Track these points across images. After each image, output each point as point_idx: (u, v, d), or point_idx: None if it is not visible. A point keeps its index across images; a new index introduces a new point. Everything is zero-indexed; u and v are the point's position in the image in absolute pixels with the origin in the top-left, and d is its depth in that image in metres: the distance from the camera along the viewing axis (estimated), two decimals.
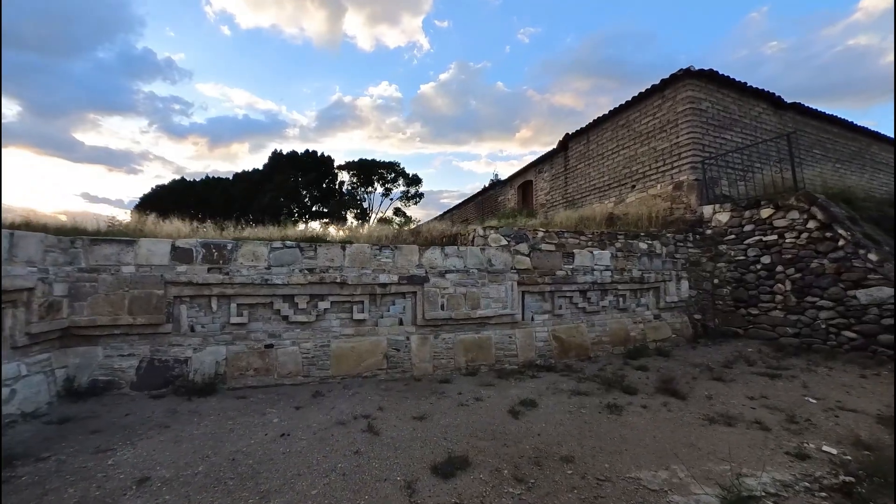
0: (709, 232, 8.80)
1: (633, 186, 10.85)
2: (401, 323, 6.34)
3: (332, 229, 9.31)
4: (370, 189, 39.13)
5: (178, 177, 37.90)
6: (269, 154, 35.66)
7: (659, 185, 10.04)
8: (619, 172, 11.31)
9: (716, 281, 8.52)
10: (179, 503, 3.08)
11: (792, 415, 4.64)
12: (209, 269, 5.49)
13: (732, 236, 8.33)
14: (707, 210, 8.91)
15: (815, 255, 6.97)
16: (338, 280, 5.92)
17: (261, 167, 34.96)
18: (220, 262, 5.56)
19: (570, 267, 7.33)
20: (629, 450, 3.92)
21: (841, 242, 6.66)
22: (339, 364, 5.86)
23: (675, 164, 9.63)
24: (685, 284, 8.37)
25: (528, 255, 7.07)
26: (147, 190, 34.63)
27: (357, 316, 6.09)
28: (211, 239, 5.71)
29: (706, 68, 9.32)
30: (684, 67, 9.37)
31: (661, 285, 8.11)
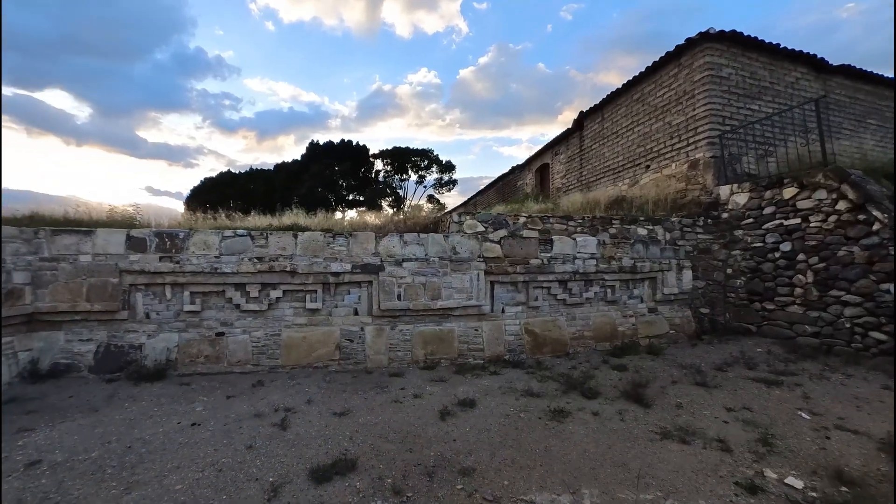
0: (725, 215, 7.72)
1: (648, 167, 9.80)
2: (356, 313, 6.14)
3: (369, 217, 9.24)
4: (404, 177, 39.35)
5: (230, 169, 40.17)
6: (307, 144, 36.69)
7: (674, 165, 8.97)
8: (634, 152, 10.26)
9: (729, 271, 7.47)
10: (50, 487, 3.11)
11: (768, 433, 3.89)
12: (161, 258, 5.59)
13: (750, 220, 7.23)
14: (724, 191, 7.80)
15: (843, 242, 5.84)
16: (288, 269, 5.81)
17: (300, 158, 36.21)
18: (172, 250, 5.64)
19: (548, 255, 6.73)
20: (546, 465, 3.45)
21: (876, 226, 5.52)
22: (290, 354, 5.79)
23: (691, 141, 8.52)
24: (688, 274, 7.41)
25: (498, 243, 6.57)
26: (196, 182, 37.04)
27: (310, 305, 5.97)
28: (164, 228, 5.80)
29: (728, 30, 8.08)
30: (703, 30, 8.20)
31: (659, 275, 7.24)
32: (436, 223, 7.77)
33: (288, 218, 7.68)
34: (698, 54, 8.31)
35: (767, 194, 6.97)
